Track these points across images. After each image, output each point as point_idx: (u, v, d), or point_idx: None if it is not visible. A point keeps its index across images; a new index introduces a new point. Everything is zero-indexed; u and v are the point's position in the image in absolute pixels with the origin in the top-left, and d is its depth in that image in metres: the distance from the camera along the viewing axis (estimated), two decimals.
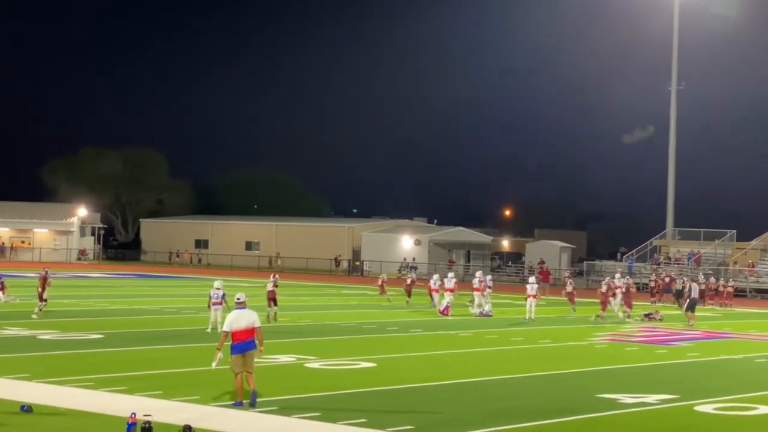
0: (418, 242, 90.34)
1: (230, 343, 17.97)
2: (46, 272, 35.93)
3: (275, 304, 36.02)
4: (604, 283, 43.59)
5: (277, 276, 38.30)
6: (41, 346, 26.19)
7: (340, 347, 27.98)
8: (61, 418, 16.32)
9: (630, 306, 42.62)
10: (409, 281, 49.11)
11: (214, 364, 18.39)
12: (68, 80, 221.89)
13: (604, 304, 41.72)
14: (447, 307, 41.73)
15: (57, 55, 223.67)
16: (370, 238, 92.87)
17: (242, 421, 16.43)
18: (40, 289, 34.93)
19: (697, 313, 41.81)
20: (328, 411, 17.46)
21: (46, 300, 34.87)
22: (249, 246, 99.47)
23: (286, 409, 17.51)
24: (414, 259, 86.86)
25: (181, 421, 15.50)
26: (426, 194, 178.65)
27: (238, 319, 17.98)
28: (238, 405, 17.62)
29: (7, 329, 29.81)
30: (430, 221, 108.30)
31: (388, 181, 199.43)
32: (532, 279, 42.30)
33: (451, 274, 46.00)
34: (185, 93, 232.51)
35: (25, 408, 16.62)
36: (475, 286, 43.66)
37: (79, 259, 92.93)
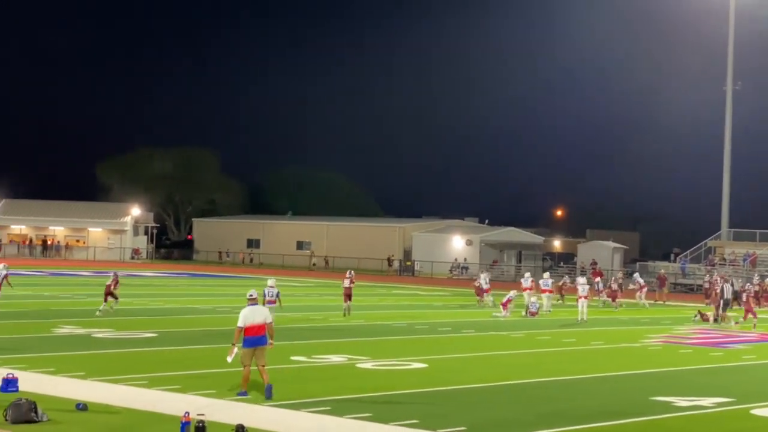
0: (469, 242, 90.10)
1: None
2: (117, 276, 36.78)
3: (350, 300, 38.70)
4: (712, 281, 43.18)
5: (353, 273, 40.47)
6: (96, 344, 26.43)
7: (391, 347, 27.96)
8: (115, 417, 16.44)
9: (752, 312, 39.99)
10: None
11: (229, 359, 18.90)
12: (122, 80, 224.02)
13: (717, 306, 40.90)
14: (509, 300, 41.59)
15: (111, 55, 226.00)
16: (421, 238, 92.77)
17: (295, 421, 16.45)
18: (112, 289, 35.53)
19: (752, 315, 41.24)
20: (380, 411, 17.43)
21: (117, 298, 35.71)
22: (300, 246, 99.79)
23: (338, 409, 17.51)
24: (465, 259, 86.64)
25: (233, 420, 15.56)
26: (477, 194, 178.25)
27: (253, 315, 18.75)
28: (242, 395, 18.31)
29: (62, 327, 30.12)
30: (482, 221, 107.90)
31: (439, 181, 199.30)
32: (582, 280, 42.02)
33: (528, 274, 46.22)
34: (238, 92, 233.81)
35: (80, 406, 16.77)
36: (543, 288, 43.93)
37: (132, 258, 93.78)
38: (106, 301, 35.42)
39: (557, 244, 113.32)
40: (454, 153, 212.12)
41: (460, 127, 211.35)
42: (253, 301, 19.12)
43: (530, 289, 44.15)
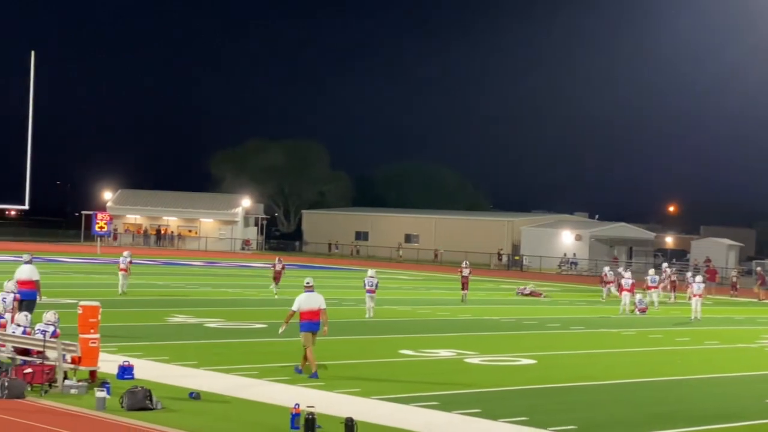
0: (578, 237, 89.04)
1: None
2: (282, 264, 42.85)
3: (466, 288, 42.89)
4: None
5: (468, 262, 45.14)
6: (208, 334, 26.86)
7: (500, 343, 27.81)
8: (227, 406, 16.68)
9: None
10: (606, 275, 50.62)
11: (280, 331, 20.82)
12: (238, 74, 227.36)
13: None
14: (633, 285, 41.81)
15: (226, 51, 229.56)
16: (530, 233, 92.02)
17: (404, 416, 16.46)
18: (277, 272, 41.93)
19: None
20: (489, 407, 17.34)
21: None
22: (408, 239, 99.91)
23: (446, 404, 17.48)
24: (574, 254, 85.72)
25: (343, 413, 15.62)
26: (587, 189, 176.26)
27: (308, 301, 20.48)
28: (298, 372, 20.11)
29: (175, 316, 30.68)
30: (592, 216, 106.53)
31: (549, 175, 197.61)
32: (698, 278, 41.13)
33: (651, 271, 45.67)
34: (347, 86, 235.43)
35: (193, 395, 17.06)
36: (650, 284, 43.52)
37: (242, 248, 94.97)
38: (276, 283, 41.35)
39: (669, 240, 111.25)
40: (565, 147, 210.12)
41: (570, 121, 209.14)
42: (309, 288, 20.73)
43: (656, 287, 44.18)
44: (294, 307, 20.45)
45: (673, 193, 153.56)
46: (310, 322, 20.29)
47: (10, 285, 22.13)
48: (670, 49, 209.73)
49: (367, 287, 33.42)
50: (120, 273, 38.87)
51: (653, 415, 17.75)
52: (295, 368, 20.36)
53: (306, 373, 19.96)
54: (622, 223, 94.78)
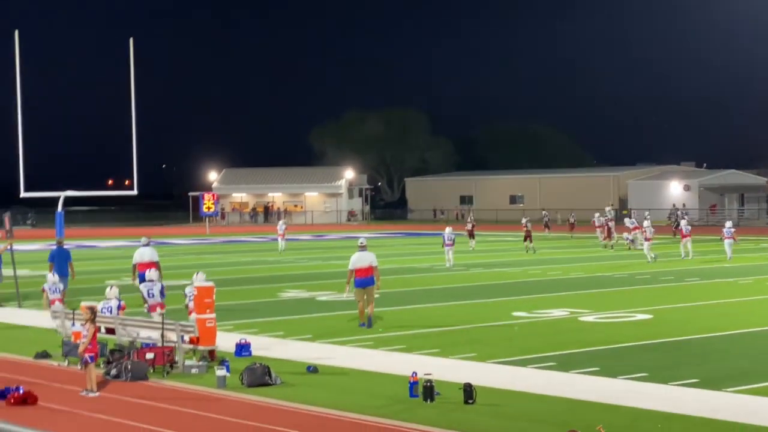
0: (687, 188, 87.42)
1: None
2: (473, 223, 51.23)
3: (529, 240, 47.15)
4: None
5: (528, 218, 50.53)
6: (320, 307, 27.05)
7: (613, 299, 27.46)
8: (345, 378, 16.81)
9: None
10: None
11: (344, 295, 24.18)
12: (331, 48, 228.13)
13: None
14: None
15: (325, 21, 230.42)
16: (637, 186, 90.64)
17: (522, 378, 16.35)
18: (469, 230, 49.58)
19: None
20: (607, 365, 17.15)
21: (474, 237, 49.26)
22: (513, 200, 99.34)
23: (564, 364, 17.34)
24: (684, 205, 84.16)
25: (461, 378, 15.56)
26: (693, 137, 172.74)
27: (360, 260, 22.54)
28: (362, 326, 21.92)
29: (287, 292, 31.00)
30: (699, 165, 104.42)
31: (654, 126, 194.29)
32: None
33: (729, 223, 44.24)
34: (443, 50, 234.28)
35: (311, 369, 17.22)
36: (648, 236, 42.20)
37: (348, 220, 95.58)
38: (471, 239, 49.23)
39: None
40: (668, 96, 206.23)
41: (673, 69, 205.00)
42: (362, 248, 22.80)
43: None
44: (350, 267, 22.60)
45: None
46: (362, 279, 22.30)
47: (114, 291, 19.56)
48: None
49: (446, 242, 39.08)
50: (279, 237, 50.39)
51: None
52: (360, 324, 22.14)
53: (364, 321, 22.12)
54: (732, 170, 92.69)
